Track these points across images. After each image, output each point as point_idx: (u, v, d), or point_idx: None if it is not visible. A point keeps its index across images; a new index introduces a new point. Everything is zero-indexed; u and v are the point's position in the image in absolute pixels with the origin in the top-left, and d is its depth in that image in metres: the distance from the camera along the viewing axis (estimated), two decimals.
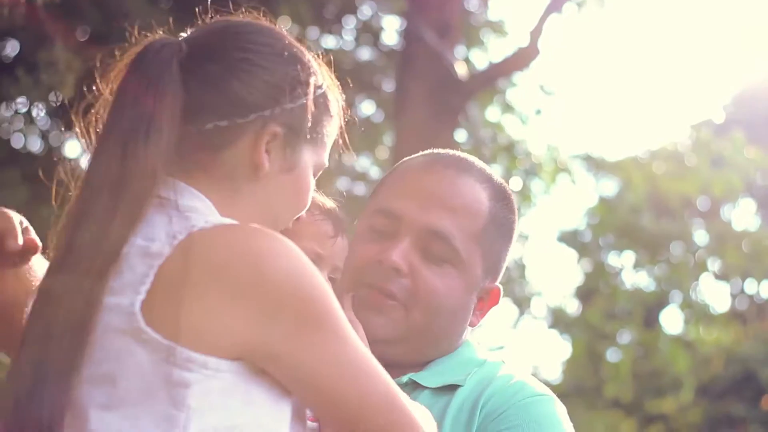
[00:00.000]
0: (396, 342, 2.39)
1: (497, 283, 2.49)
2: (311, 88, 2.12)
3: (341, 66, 10.07)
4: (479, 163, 2.49)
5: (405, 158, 2.53)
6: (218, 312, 1.87)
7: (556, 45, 11.94)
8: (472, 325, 2.49)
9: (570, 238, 16.29)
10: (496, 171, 2.55)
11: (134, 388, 1.87)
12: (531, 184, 12.28)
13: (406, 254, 2.38)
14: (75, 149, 8.51)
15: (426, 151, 2.52)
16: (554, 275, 19.26)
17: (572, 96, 13.67)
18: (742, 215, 18.44)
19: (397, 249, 2.38)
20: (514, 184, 11.72)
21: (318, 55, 2.18)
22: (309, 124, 2.11)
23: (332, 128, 2.19)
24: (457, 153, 2.51)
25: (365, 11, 11.39)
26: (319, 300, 1.92)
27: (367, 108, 11.86)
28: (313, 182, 2.17)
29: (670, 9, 14.97)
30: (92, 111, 2.11)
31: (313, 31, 10.71)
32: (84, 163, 2.09)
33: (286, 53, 2.11)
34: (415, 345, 2.41)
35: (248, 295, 1.88)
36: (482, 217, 2.42)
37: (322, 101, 2.16)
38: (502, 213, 2.46)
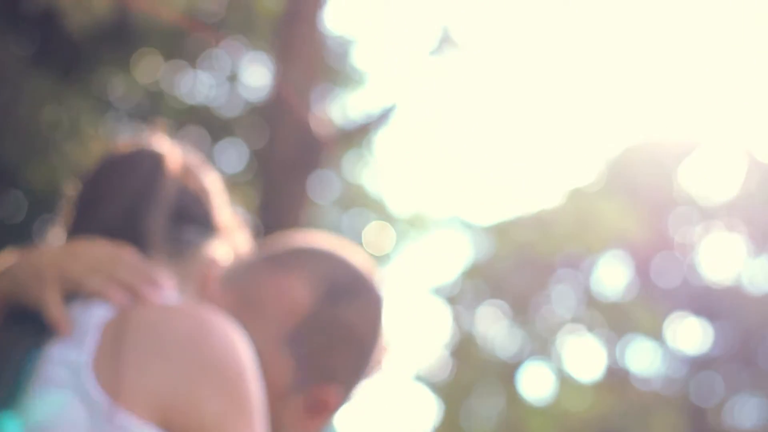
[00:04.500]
0: None
1: (341, 385, 2.34)
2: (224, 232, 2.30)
3: (208, 119, 10.29)
4: (320, 254, 2.37)
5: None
6: (149, 375, 1.88)
7: (422, 100, 12.26)
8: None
9: (440, 295, 16.60)
10: (353, 241, 2.59)
11: None
12: (394, 239, 12.58)
13: None
14: None
15: (259, 247, 2.42)
16: (422, 333, 19.44)
17: (438, 154, 13.99)
18: (615, 279, 18.91)
19: None
20: (373, 238, 12.00)
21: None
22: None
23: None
24: (293, 246, 2.39)
25: (232, 64, 11.68)
26: (251, 385, 1.95)
27: (235, 163, 12.11)
28: None
29: (547, 68, 15.41)
30: None
31: (181, 84, 10.99)
32: None
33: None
34: None
35: (182, 364, 1.90)
36: (295, 318, 2.28)
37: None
38: (333, 310, 2.31)
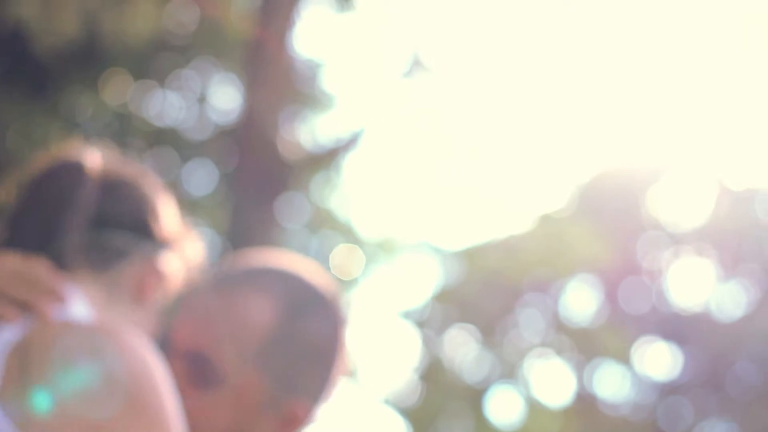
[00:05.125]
0: None
1: (308, 400, 2.39)
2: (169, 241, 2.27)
3: (177, 141, 10.32)
4: (277, 273, 2.41)
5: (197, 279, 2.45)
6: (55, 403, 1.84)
7: (391, 123, 12.32)
8: None
9: (409, 319, 16.63)
10: (318, 261, 2.61)
11: None
12: (363, 262, 12.62)
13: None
14: None
15: (220, 267, 2.45)
16: (391, 357, 19.42)
17: (407, 178, 14.04)
18: (584, 303, 18.99)
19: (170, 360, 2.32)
20: (341, 261, 12.03)
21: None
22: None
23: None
24: (252, 266, 2.42)
25: (201, 85, 11.72)
26: (159, 402, 1.91)
27: (204, 185, 12.13)
28: None
29: (516, 93, 15.50)
30: None
31: (150, 106, 11.02)
32: None
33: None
34: None
35: (85, 386, 1.86)
36: (260, 335, 2.31)
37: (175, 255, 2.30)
38: (295, 325, 2.35)
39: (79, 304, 2.06)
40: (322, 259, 11.82)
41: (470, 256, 14.85)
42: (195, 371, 2.30)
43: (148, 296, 2.22)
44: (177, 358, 2.30)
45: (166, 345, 2.34)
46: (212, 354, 2.28)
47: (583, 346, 15.58)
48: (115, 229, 2.18)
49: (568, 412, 17.32)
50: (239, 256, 2.53)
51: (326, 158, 10.84)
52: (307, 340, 2.35)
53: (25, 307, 1.98)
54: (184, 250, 2.31)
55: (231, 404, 2.28)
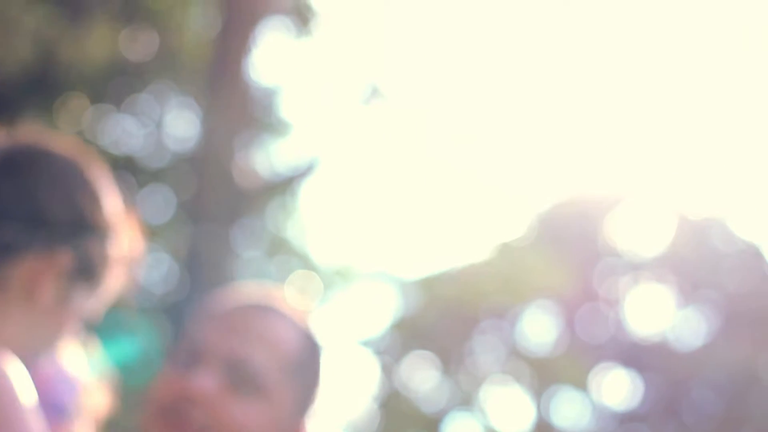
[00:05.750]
0: None
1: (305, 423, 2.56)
2: (101, 229, 2.14)
3: (134, 168, 10.31)
4: (287, 304, 2.59)
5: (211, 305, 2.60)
6: None
7: (349, 150, 12.37)
8: None
9: (368, 347, 16.64)
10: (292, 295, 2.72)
11: None
12: (320, 290, 12.63)
13: (208, 383, 2.40)
14: None
15: (235, 296, 2.60)
16: (350, 385, 19.40)
17: (365, 206, 14.09)
18: (542, 332, 19.03)
19: (198, 377, 2.41)
20: (298, 289, 12.04)
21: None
22: (91, 264, 2.13)
23: (116, 272, 2.20)
24: (264, 296, 2.59)
25: (159, 112, 11.73)
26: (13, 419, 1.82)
27: (163, 212, 12.12)
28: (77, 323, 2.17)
29: (475, 122, 15.56)
30: None
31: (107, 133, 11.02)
32: None
33: (78, 188, 2.14)
34: None
35: None
36: (292, 354, 2.48)
37: (108, 243, 2.17)
38: (310, 355, 2.53)
39: None
40: (279, 286, 11.82)
41: (428, 284, 14.91)
42: (237, 378, 2.41)
43: (42, 295, 2.09)
44: (211, 364, 2.42)
45: (198, 352, 2.44)
46: (256, 363, 2.43)
47: (542, 374, 15.64)
48: (3, 221, 2.05)
49: None
50: (244, 286, 2.75)
51: (283, 185, 10.87)
52: (314, 368, 2.55)
53: None
54: (118, 240, 2.19)
55: (269, 413, 2.44)
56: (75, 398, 2.42)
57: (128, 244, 2.23)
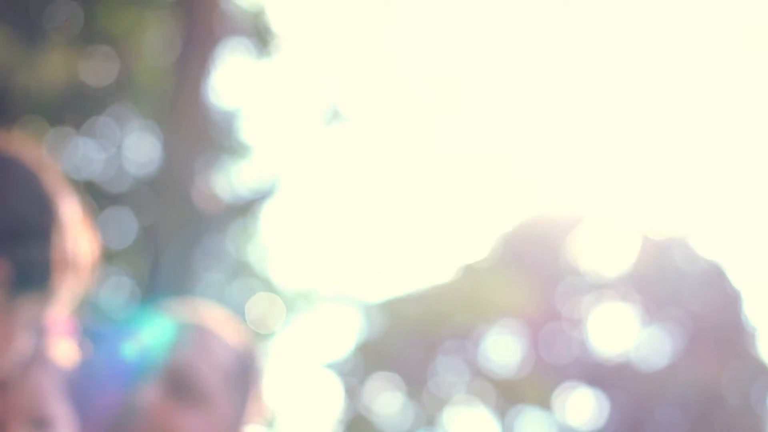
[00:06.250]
0: None
1: None
2: (53, 235, 2.04)
3: (94, 192, 10.26)
4: (226, 322, 2.73)
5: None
6: None
7: (310, 173, 12.37)
8: None
9: (333, 370, 16.61)
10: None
11: None
12: (283, 312, 12.62)
13: (151, 395, 2.56)
14: None
15: (177, 315, 2.75)
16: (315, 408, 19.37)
17: (327, 229, 14.07)
18: (506, 352, 19.06)
19: (143, 391, 2.56)
20: (259, 312, 12.03)
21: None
22: (36, 273, 2.04)
23: (70, 281, 2.10)
24: (204, 315, 2.74)
25: (120, 137, 11.72)
26: None
27: (124, 236, 12.10)
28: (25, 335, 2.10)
29: (438, 144, 15.60)
30: None
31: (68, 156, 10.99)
32: None
33: (33, 194, 2.04)
34: None
35: None
36: (230, 368, 2.63)
37: (62, 251, 2.06)
38: (248, 369, 2.67)
39: None
40: (240, 308, 11.81)
41: (392, 307, 14.93)
42: (179, 390, 2.57)
43: None
44: (159, 379, 2.58)
45: (150, 367, 2.59)
46: (197, 376, 2.59)
47: (506, 394, 15.67)
48: None
49: None
50: (184, 306, 2.82)
51: (244, 208, 10.87)
52: (252, 383, 2.70)
53: None
54: (70, 245, 2.07)
55: (208, 421, 2.59)
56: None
57: (82, 248, 2.11)
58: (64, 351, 2.28)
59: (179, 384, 2.58)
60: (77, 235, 2.10)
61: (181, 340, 2.64)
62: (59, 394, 2.27)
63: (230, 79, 11.44)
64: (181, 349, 2.63)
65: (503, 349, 18.15)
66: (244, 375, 2.67)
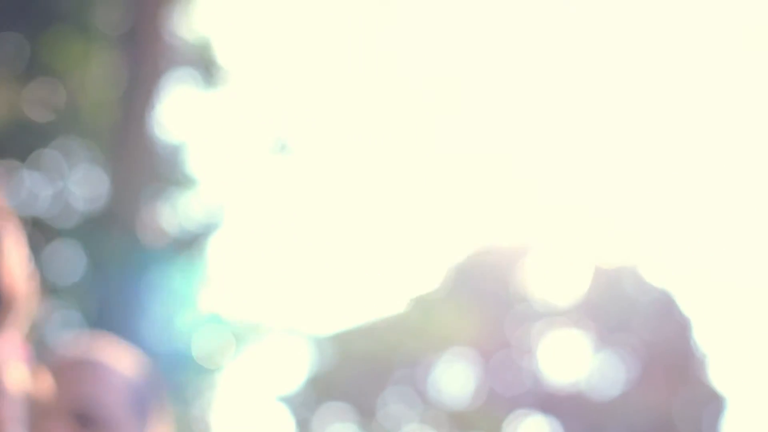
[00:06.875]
0: None
1: None
2: None
3: (41, 227, 10.20)
4: (122, 352, 2.82)
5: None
6: None
7: (257, 204, 12.37)
8: None
9: (284, 402, 16.61)
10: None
11: None
12: (231, 346, 12.60)
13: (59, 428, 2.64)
14: None
15: (71, 351, 2.85)
16: None
17: (275, 262, 14.08)
18: (458, 381, 19.10)
19: (51, 424, 2.63)
20: (209, 345, 12.00)
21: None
22: None
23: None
24: (98, 347, 2.82)
25: (66, 170, 11.68)
26: None
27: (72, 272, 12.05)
28: None
29: (388, 176, 15.64)
30: None
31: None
32: None
33: None
34: None
35: None
36: (131, 396, 2.73)
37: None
38: (148, 395, 2.77)
39: None
40: (188, 342, 11.78)
41: (342, 339, 14.92)
42: (85, 425, 2.64)
43: None
44: (64, 418, 2.64)
45: (41, 402, 2.54)
46: (99, 408, 2.66)
47: (457, 423, 15.67)
48: None
49: None
50: (82, 341, 2.91)
51: (191, 241, 10.85)
52: (154, 408, 2.77)
53: None
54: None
55: None
56: None
57: (19, 283, 2.13)
58: (19, 378, 2.20)
59: (81, 417, 2.65)
60: (15, 268, 2.06)
61: (78, 375, 2.71)
62: (17, 423, 2.26)
63: (176, 111, 11.45)
64: (80, 383, 2.69)
65: (454, 379, 18.20)
66: (143, 402, 2.75)
